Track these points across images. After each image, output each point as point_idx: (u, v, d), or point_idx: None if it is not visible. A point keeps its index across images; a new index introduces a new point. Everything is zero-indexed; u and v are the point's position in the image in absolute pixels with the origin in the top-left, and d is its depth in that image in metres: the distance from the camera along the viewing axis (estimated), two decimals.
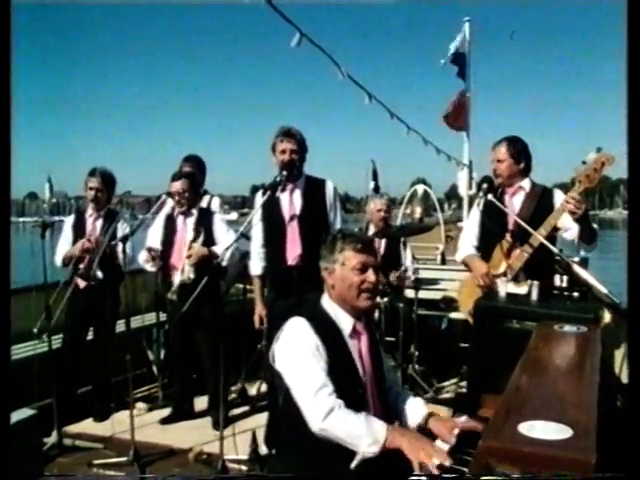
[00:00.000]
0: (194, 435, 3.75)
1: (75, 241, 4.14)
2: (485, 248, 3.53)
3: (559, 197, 3.36)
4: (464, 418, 2.21)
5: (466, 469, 1.64)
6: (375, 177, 8.23)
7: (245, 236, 3.67)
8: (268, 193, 3.38)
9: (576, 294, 3.10)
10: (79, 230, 4.20)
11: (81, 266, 4.07)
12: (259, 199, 3.63)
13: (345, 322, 2.09)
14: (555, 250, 3.13)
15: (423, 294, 4.80)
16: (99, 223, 4.18)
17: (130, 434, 3.35)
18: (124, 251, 3.46)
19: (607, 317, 3.58)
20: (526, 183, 3.45)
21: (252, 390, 4.52)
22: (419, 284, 4.70)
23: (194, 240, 3.94)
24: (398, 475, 1.84)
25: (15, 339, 3.97)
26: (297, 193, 3.59)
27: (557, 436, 1.30)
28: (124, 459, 3.33)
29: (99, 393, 4.19)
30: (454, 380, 4.71)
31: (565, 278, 3.19)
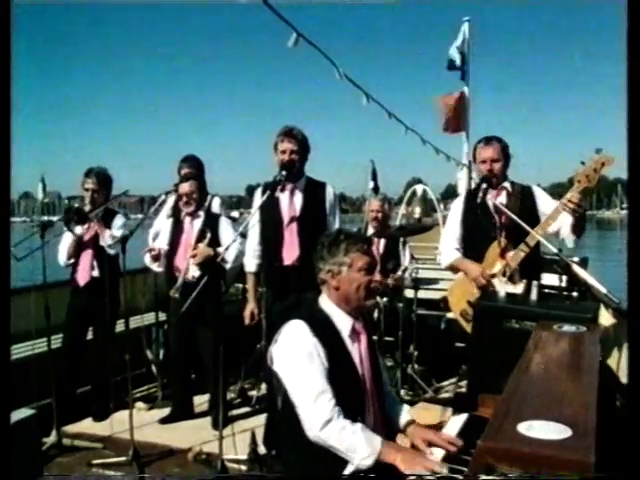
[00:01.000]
0: (193, 435, 3.75)
1: (79, 240, 4.11)
2: (471, 249, 3.49)
3: (539, 193, 3.46)
4: (464, 417, 2.21)
5: (466, 469, 1.64)
6: (374, 177, 8.23)
7: (244, 235, 3.67)
8: (268, 192, 3.38)
9: (575, 294, 3.10)
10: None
11: (79, 268, 4.08)
12: (258, 198, 3.64)
13: (344, 322, 2.09)
14: (554, 250, 3.13)
15: (422, 294, 4.80)
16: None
17: (129, 434, 3.35)
18: (124, 251, 3.46)
19: (607, 317, 3.59)
20: (507, 183, 3.46)
21: (251, 390, 4.52)
22: (418, 284, 4.70)
23: (199, 241, 3.94)
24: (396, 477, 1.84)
25: (14, 339, 3.97)
26: (297, 194, 3.59)
27: (556, 436, 1.30)
28: (123, 459, 3.33)
29: (98, 393, 4.19)
30: (453, 380, 4.71)
31: (564, 278, 3.19)
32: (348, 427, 1.89)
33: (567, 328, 2.30)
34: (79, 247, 4.12)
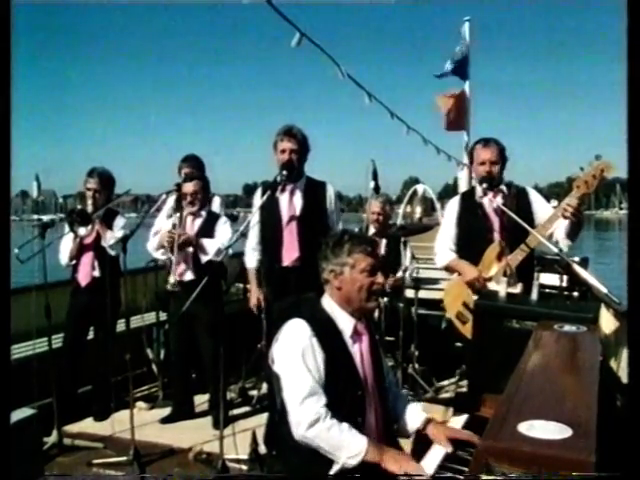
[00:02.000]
0: (194, 434, 3.75)
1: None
2: (467, 250, 3.50)
3: (534, 196, 3.47)
4: (465, 417, 2.21)
5: (466, 469, 1.64)
6: (375, 177, 8.23)
7: (244, 235, 3.67)
8: (268, 192, 3.38)
9: (576, 294, 3.11)
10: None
11: (80, 268, 4.08)
12: (258, 198, 3.63)
13: (346, 323, 2.09)
14: (555, 250, 3.14)
15: (423, 294, 4.80)
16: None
17: (130, 433, 3.35)
18: (124, 251, 3.46)
19: (607, 317, 3.59)
20: (503, 185, 3.47)
21: (252, 390, 4.52)
22: (419, 284, 4.70)
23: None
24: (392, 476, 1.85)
25: (15, 338, 3.97)
26: (297, 194, 3.59)
27: (557, 436, 1.30)
28: (124, 458, 3.33)
29: (99, 392, 4.19)
30: (454, 379, 4.71)
31: (565, 278, 3.20)
32: (334, 427, 1.90)
33: (568, 328, 2.30)
34: (80, 247, 4.12)
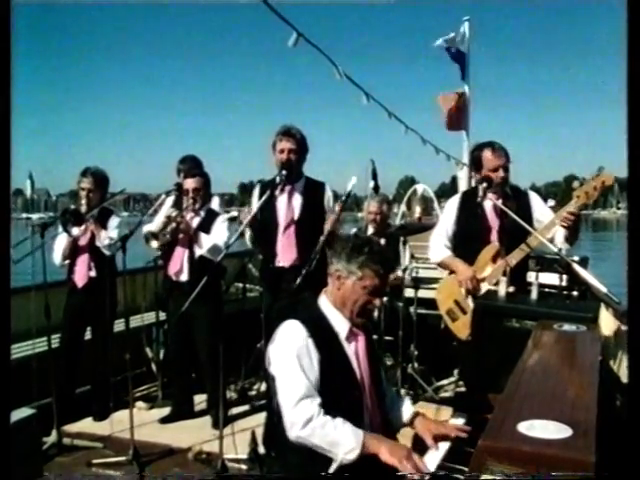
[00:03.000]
0: (193, 434, 3.75)
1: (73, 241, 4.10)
2: (462, 250, 3.50)
3: (535, 200, 3.50)
4: (462, 420, 2.21)
5: (466, 468, 1.64)
6: (374, 177, 8.23)
7: (243, 235, 3.67)
8: (268, 192, 3.37)
9: (575, 293, 3.11)
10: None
11: (76, 268, 4.07)
12: (256, 197, 3.63)
13: (342, 324, 2.08)
14: (555, 249, 3.15)
15: (422, 293, 4.80)
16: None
17: (129, 433, 3.36)
18: (124, 251, 3.45)
19: (607, 316, 3.59)
20: (507, 187, 3.47)
21: (252, 389, 4.52)
22: (418, 283, 4.70)
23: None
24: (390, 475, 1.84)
25: (15, 338, 3.97)
26: (296, 196, 3.58)
27: (556, 435, 1.30)
28: (123, 458, 3.33)
29: (98, 392, 4.18)
30: (453, 379, 4.71)
31: (565, 277, 3.20)
32: (328, 423, 1.89)
33: (567, 327, 2.30)
34: (76, 248, 4.10)
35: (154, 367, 4.76)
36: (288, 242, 3.55)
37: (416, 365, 4.63)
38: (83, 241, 4.09)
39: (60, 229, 4.07)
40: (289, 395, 1.93)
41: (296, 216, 3.55)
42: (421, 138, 8.17)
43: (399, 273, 4.54)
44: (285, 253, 3.54)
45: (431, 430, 2.06)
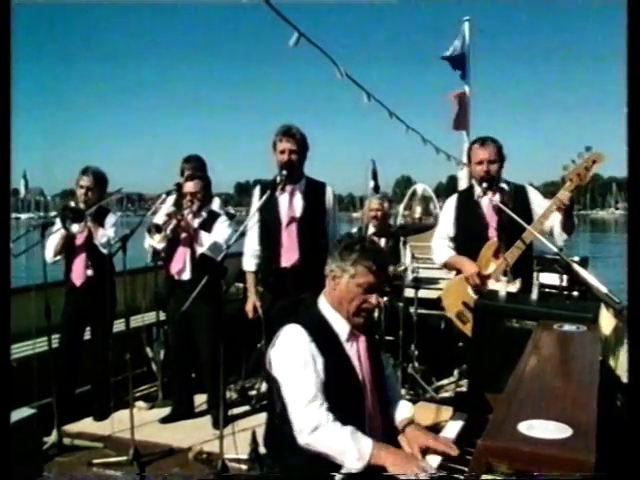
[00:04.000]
0: (194, 434, 3.76)
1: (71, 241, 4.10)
2: (464, 248, 3.50)
3: (533, 194, 3.50)
4: (464, 417, 2.21)
5: (466, 469, 1.64)
6: (375, 176, 8.25)
7: (244, 235, 3.67)
8: (268, 193, 3.37)
9: (576, 293, 3.10)
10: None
11: (73, 267, 4.07)
12: (256, 197, 3.63)
13: (342, 326, 2.08)
14: (555, 249, 3.14)
15: (423, 293, 4.80)
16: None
17: (130, 433, 3.36)
18: (124, 251, 3.45)
19: (607, 316, 3.58)
20: (503, 183, 3.49)
21: (252, 389, 4.52)
22: (419, 283, 4.70)
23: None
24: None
25: (15, 338, 3.97)
26: (297, 196, 3.58)
27: (557, 435, 1.29)
28: (124, 458, 3.33)
29: (99, 392, 4.19)
30: (454, 379, 4.72)
31: (565, 277, 3.19)
32: (337, 431, 1.89)
33: (568, 327, 2.30)
34: (73, 247, 4.10)
35: (154, 367, 4.76)
36: (290, 242, 3.54)
37: (416, 365, 4.63)
38: (80, 240, 4.08)
39: (55, 227, 4.06)
40: (296, 401, 1.92)
41: (298, 215, 3.55)
42: (422, 138, 8.16)
43: (399, 269, 4.54)
44: (287, 253, 3.54)
45: (419, 443, 2.01)
